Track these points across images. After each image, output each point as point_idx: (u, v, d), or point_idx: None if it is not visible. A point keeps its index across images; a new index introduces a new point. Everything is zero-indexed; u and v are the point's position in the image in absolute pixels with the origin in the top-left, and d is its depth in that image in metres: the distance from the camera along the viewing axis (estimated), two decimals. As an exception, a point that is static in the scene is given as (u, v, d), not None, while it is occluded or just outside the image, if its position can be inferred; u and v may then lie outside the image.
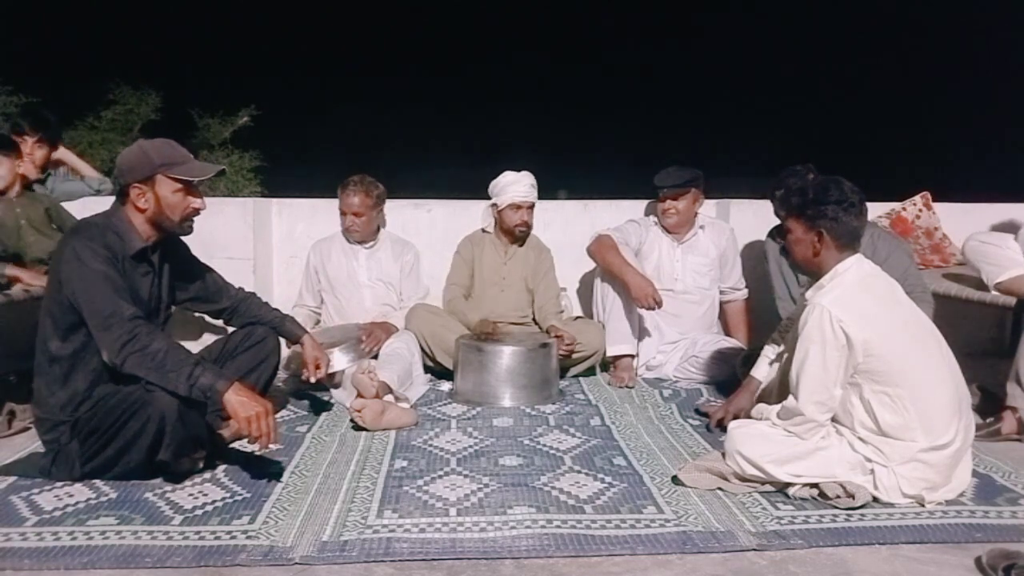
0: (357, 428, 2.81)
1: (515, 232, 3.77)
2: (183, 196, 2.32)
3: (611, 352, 3.58)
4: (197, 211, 2.38)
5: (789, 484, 2.18)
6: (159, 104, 8.91)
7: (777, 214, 3.53)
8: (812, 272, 2.32)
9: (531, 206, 3.75)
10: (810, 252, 2.28)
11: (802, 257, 2.32)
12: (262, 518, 2.03)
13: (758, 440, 2.21)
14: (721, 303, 3.91)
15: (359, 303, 3.73)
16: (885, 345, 2.11)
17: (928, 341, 2.23)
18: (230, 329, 2.83)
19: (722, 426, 2.71)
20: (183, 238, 2.52)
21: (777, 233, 3.60)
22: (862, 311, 2.14)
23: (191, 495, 2.18)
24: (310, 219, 4.26)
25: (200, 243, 2.86)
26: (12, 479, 2.30)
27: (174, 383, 2.11)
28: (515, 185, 3.68)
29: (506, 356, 3.24)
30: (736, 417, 2.68)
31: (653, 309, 3.42)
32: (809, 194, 2.27)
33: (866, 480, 2.15)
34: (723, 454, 2.28)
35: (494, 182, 3.75)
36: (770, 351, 2.77)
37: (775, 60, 13.46)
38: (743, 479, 2.22)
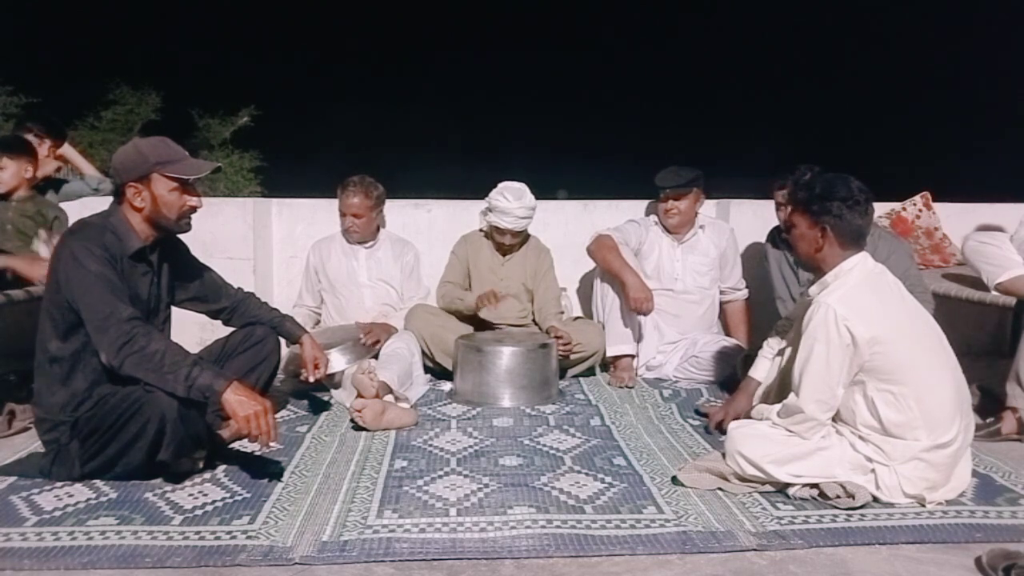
0: (357, 428, 2.81)
1: (497, 247, 3.78)
2: (179, 194, 2.32)
3: (611, 352, 3.58)
4: (194, 209, 2.38)
5: (789, 484, 2.18)
6: (159, 104, 8.93)
7: (778, 215, 3.54)
8: (814, 268, 2.32)
9: (516, 233, 3.69)
10: (812, 248, 2.27)
11: (804, 252, 2.31)
12: (262, 518, 2.03)
13: (758, 440, 2.21)
14: (721, 303, 3.91)
15: (359, 303, 3.73)
16: (890, 343, 2.11)
17: (931, 339, 2.23)
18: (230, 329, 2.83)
19: (721, 428, 2.71)
20: (182, 238, 2.53)
21: (777, 233, 3.61)
22: (867, 309, 2.14)
23: (191, 495, 2.18)
24: (310, 219, 4.26)
25: (200, 243, 2.87)
26: (12, 479, 2.29)
27: (172, 384, 2.11)
28: (505, 215, 3.60)
29: (505, 356, 3.23)
30: (735, 419, 2.68)
31: (645, 315, 3.43)
32: (816, 189, 2.26)
33: (867, 480, 2.15)
34: (723, 454, 2.27)
35: (493, 193, 3.66)
36: (768, 350, 2.76)
37: (775, 60, 13.45)
38: (743, 479, 2.21)
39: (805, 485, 2.17)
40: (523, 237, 3.80)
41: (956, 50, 12.27)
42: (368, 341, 3.33)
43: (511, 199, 3.60)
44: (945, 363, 2.21)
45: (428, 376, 3.55)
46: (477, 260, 3.80)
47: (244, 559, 1.82)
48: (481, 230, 3.86)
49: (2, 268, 3.07)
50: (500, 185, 3.69)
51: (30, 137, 3.68)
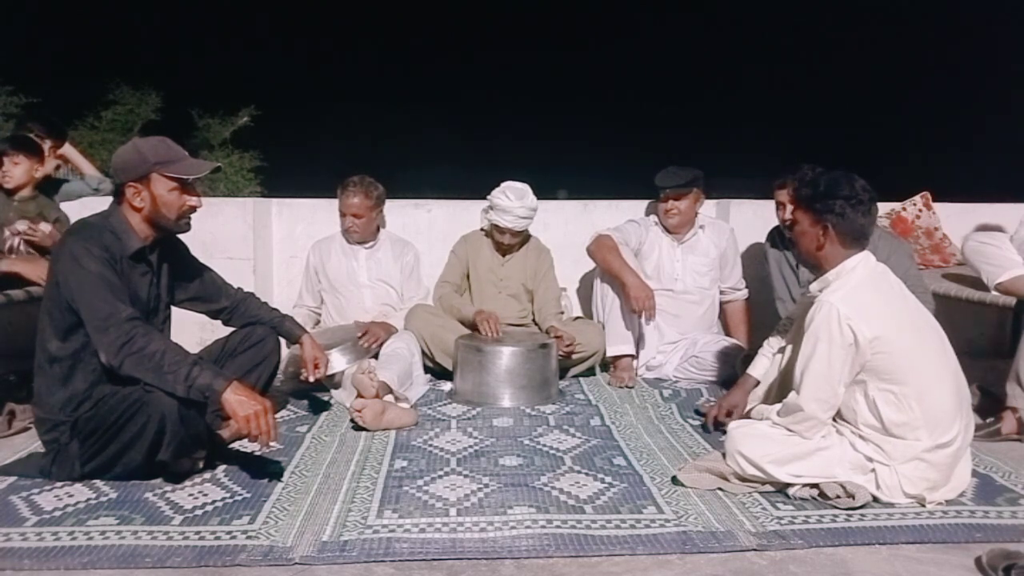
0: (357, 428, 2.81)
1: (496, 246, 3.78)
2: (179, 194, 2.32)
3: (611, 352, 3.58)
4: (193, 208, 2.38)
5: (789, 484, 2.18)
6: (159, 104, 8.91)
7: (778, 214, 3.53)
8: (815, 266, 2.32)
9: (516, 233, 3.69)
10: (814, 246, 2.27)
11: (806, 250, 2.31)
12: (262, 518, 2.03)
13: (759, 440, 2.21)
14: (721, 303, 3.91)
15: (359, 303, 3.73)
16: (892, 343, 2.11)
17: (932, 339, 2.23)
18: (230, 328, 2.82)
19: (718, 424, 2.71)
20: (182, 238, 2.52)
21: (777, 233, 3.61)
22: (870, 309, 2.14)
23: (191, 495, 2.18)
24: (310, 219, 4.26)
25: (200, 243, 2.87)
26: (12, 479, 2.29)
27: (172, 384, 2.11)
28: (506, 214, 3.61)
29: (505, 357, 3.23)
30: (730, 413, 2.68)
31: (650, 317, 3.43)
32: (820, 187, 2.26)
33: (867, 480, 2.15)
34: (723, 454, 2.28)
35: (496, 192, 3.67)
36: (768, 349, 2.76)
37: (775, 59, 13.45)
38: (743, 479, 2.21)
39: (805, 485, 2.17)
40: (523, 237, 3.80)
41: (956, 49, 12.27)
42: (367, 343, 3.33)
43: (512, 198, 3.60)
44: (946, 363, 2.21)
45: (428, 376, 3.55)
46: (477, 260, 3.80)
47: (244, 559, 1.82)
48: (482, 229, 3.86)
49: (6, 272, 3.07)
50: (503, 184, 3.70)
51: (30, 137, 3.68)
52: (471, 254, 3.82)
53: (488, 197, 3.71)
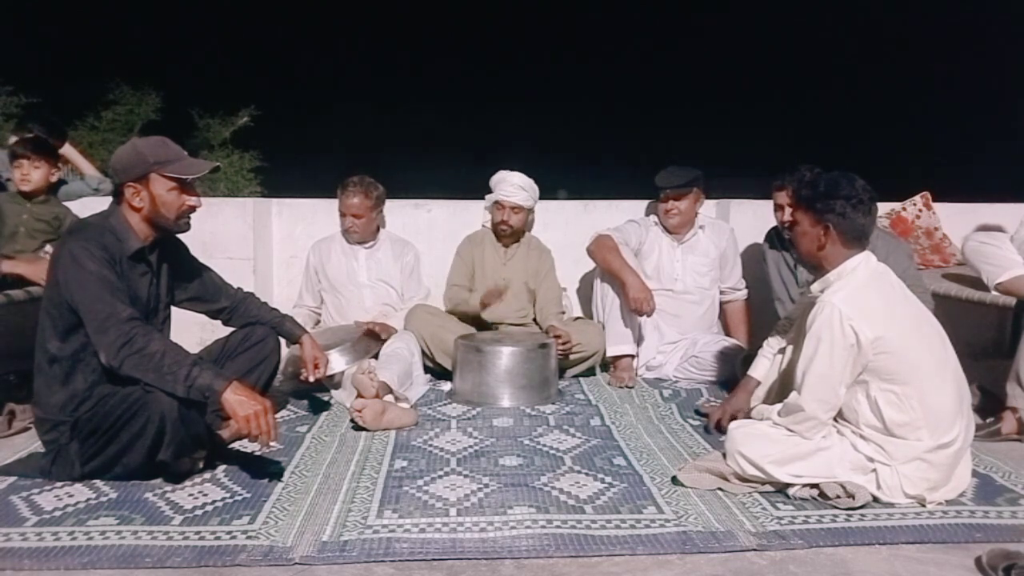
0: (357, 428, 2.81)
1: (496, 230, 3.78)
2: (178, 194, 2.32)
3: (611, 352, 3.58)
4: (193, 208, 2.38)
5: (789, 484, 2.18)
6: (159, 104, 8.92)
7: (776, 215, 3.53)
8: (815, 266, 2.31)
9: (516, 208, 3.72)
10: (815, 246, 2.27)
11: (806, 250, 2.31)
12: (262, 518, 2.03)
13: (759, 440, 2.21)
14: (721, 303, 3.91)
15: (359, 303, 3.73)
16: (894, 343, 2.10)
17: (934, 339, 2.23)
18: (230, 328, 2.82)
19: (720, 428, 2.71)
20: (182, 238, 2.53)
21: (775, 234, 3.60)
22: (872, 309, 2.13)
23: (191, 495, 2.18)
24: (310, 219, 4.27)
25: (200, 243, 2.86)
26: (12, 479, 2.29)
27: (172, 384, 2.11)
28: (501, 184, 3.70)
29: (505, 356, 3.23)
30: (734, 417, 2.68)
31: (648, 316, 3.44)
32: (820, 187, 2.26)
33: (867, 480, 2.15)
34: (723, 454, 2.27)
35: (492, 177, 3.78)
36: (768, 350, 2.76)
37: (775, 60, 13.46)
38: (743, 479, 2.21)
39: (805, 485, 2.17)
40: (522, 221, 3.79)
41: (956, 50, 12.28)
42: (376, 328, 3.38)
43: (504, 172, 3.71)
44: (947, 363, 2.21)
45: (428, 376, 3.55)
46: (481, 258, 3.82)
47: (244, 559, 1.82)
48: (484, 225, 3.86)
49: (8, 274, 3.07)
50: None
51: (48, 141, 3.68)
52: (475, 252, 3.83)
53: (490, 181, 3.77)
